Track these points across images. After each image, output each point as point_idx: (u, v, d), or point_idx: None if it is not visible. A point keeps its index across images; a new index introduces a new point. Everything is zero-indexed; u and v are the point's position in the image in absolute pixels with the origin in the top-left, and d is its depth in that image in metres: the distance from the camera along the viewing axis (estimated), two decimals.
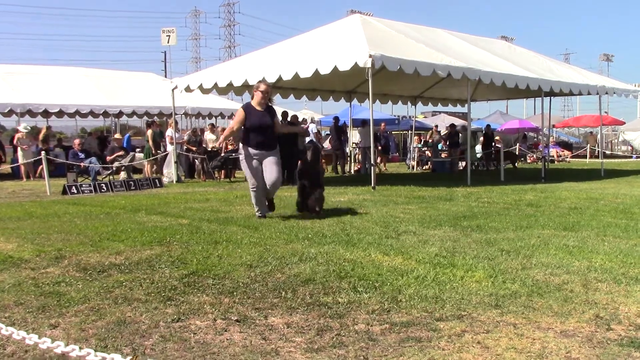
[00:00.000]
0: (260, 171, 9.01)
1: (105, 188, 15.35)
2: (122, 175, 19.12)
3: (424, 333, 3.86)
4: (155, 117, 26.86)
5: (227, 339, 3.82)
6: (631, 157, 33.02)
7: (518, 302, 4.48)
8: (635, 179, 18.29)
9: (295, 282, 5.12)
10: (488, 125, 27.89)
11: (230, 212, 10.12)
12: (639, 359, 3.44)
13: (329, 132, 28.70)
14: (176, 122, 20.66)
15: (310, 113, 40.73)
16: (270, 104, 9.55)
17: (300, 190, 9.49)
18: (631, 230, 7.72)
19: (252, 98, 9.33)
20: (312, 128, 25.65)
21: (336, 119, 24.45)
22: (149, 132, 20.23)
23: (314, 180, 9.34)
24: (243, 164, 9.14)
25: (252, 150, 9.01)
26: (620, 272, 5.43)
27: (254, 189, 9.04)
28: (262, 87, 9.26)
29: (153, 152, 19.73)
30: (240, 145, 9.28)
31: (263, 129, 9.03)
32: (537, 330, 3.90)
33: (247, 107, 9.19)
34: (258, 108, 9.10)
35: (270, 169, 8.98)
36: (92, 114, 25.88)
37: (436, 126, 31.33)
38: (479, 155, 25.88)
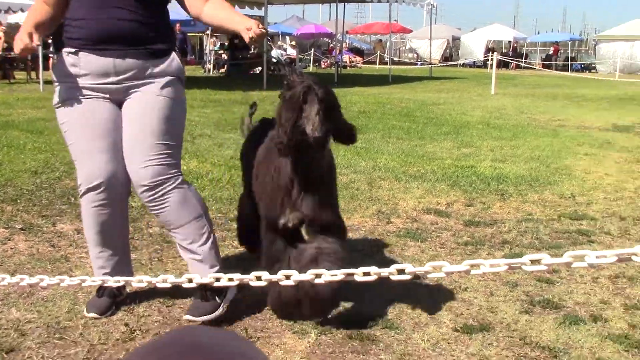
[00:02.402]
0: (109, 136, 2.73)
1: None
2: None
3: (219, 233, 3.93)
4: None
5: (11, 248, 3.62)
6: (416, 64, 35.08)
7: None
8: (419, 84, 19.53)
9: None
10: None
11: (10, 115, 9.36)
12: (413, 247, 3.79)
13: None
14: None
15: None
16: None
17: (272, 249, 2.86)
18: (412, 132, 8.31)
19: None
20: None
21: None
22: None
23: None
24: (61, 113, 2.75)
25: (76, 61, 2.70)
26: (401, 170, 5.87)
27: (89, 191, 2.72)
28: None
29: None
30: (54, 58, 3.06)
31: None
32: None
33: None
34: None
35: (136, 128, 2.70)
36: None
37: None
38: (274, 60, 26.05)
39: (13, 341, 2.54)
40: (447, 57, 41.07)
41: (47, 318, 2.74)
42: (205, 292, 2.75)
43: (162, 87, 2.72)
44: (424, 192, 5.12)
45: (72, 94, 2.70)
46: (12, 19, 28.36)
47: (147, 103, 2.70)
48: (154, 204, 2.69)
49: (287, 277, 1.68)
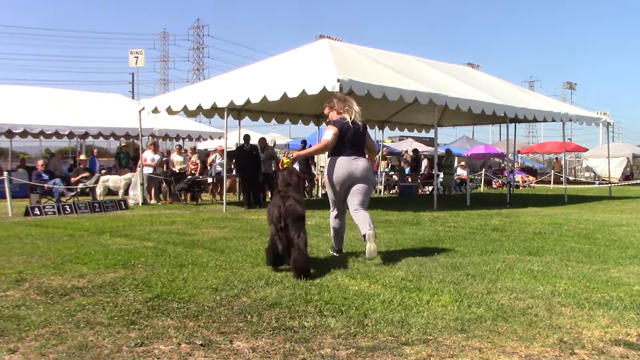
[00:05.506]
0: None
1: (69, 210, 15.12)
2: (99, 194, 18.83)
3: (390, 357, 3.85)
4: (122, 139, 26.71)
5: None
6: (594, 183, 33.64)
7: (483, 327, 4.50)
8: (598, 204, 18.59)
9: (261, 306, 5.08)
10: (415, 150, 28.93)
11: (196, 235, 10.03)
12: None
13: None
14: (154, 144, 20.53)
15: (277, 136, 40.67)
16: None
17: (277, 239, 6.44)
18: (594, 256, 7.83)
19: None
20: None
21: (304, 142, 24.55)
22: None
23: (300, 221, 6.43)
24: None
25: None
26: (583, 296, 5.50)
27: None
28: None
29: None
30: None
31: None
32: (502, 355, 3.91)
33: None
34: None
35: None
36: (57, 134, 25.47)
37: (406, 151, 31.76)
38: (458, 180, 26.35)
39: None
40: (628, 176, 39.03)
41: None
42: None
43: None
44: (611, 321, 4.73)
45: None
46: (201, 145, 30.90)
47: None
48: None
49: None
